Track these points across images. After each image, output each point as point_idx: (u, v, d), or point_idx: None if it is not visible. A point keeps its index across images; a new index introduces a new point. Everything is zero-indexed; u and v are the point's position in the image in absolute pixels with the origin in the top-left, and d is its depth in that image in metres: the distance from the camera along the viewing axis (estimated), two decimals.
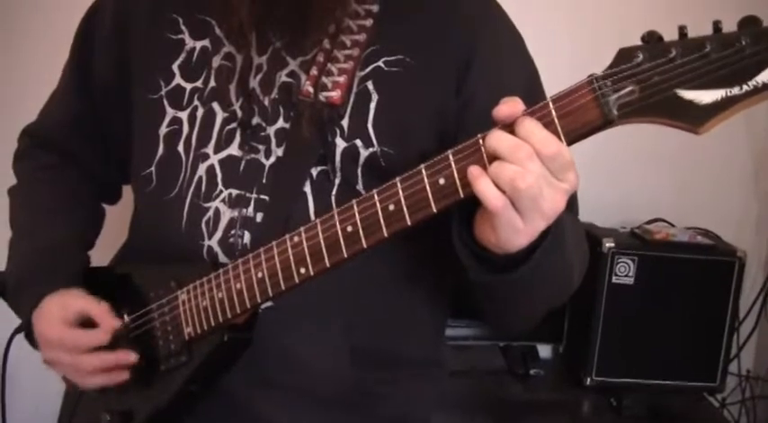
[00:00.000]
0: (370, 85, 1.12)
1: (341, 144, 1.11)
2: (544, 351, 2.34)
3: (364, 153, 1.11)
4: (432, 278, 1.22)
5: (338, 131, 1.11)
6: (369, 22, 1.14)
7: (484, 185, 0.86)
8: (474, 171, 0.87)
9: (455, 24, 1.14)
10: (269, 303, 1.10)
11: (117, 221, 1.40)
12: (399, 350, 1.20)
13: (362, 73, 1.12)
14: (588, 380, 2.11)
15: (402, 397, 1.21)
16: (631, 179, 2.31)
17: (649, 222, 2.27)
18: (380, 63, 1.12)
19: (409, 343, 1.21)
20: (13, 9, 2.15)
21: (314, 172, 1.11)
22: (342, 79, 1.11)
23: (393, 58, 1.12)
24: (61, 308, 1.17)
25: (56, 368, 1.21)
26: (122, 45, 1.23)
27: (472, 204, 0.90)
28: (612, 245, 2.05)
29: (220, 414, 1.15)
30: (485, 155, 0.88)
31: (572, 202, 1.13)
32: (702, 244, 2.12)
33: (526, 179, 0.84)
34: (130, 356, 1.16)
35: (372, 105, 1.11)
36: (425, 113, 1.12)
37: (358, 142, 1.11)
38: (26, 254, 1.26)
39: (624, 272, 2.06)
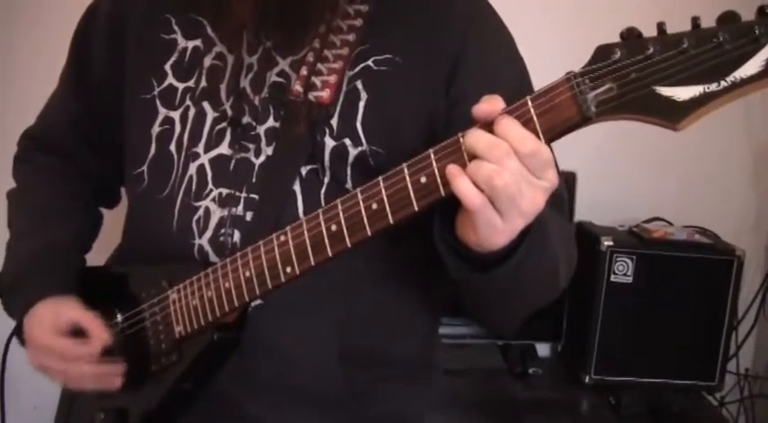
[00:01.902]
0: (359, 84, 1.12)
1: (330, 143, 1.11)
2: (543, 350, 2.34)
3: (353, 152, 1.11)
4: (423, 278, 1.21)
5: (327, 130, 1.11)
6: (359, 22, 1.14)
7: (462, 184, 0.86)
8: (452, 170, 0.87)
9: (445, 24, 1.15)
10: (259, 302, 1.10)
11: (112, 225, 1.40)
12: (389, 350, 1.20)
13: (352, 72, 1.12)
14: (587, 378, 2.11)
15: (392, 397, 1.21)
16: (630, 178, 2.32)
17: (648, 221, 2.27)
18: (370, 62, 1.12)
19: (400, 343, 1.21)
20: (15, 10, 2.16)
21: (303, 171, 1.11)
22: (331, 78, 1.11)
23: (382, 57, 1.12)
24: (53, 316, 1.17)
25: (44, 373, 1.21)
26: (118, 44, 1.24)
27: (454, 204, 0.90)
28: (611, 243, 2.05)
29: (211, 413, 1.15)
30: (464, 153, 0.88)
31: (560, 203, 1.13)
32: (701, 243, 2.12)
33: (503, 177, 0.84)
34: (118, 368, 1.17)
35: (361, 104, 1.11)
36: (414, 113, 1.12)
37: (347, 141, 1.11)
38: (22, 255, 1.26)
39: (622, 270, 2.06)
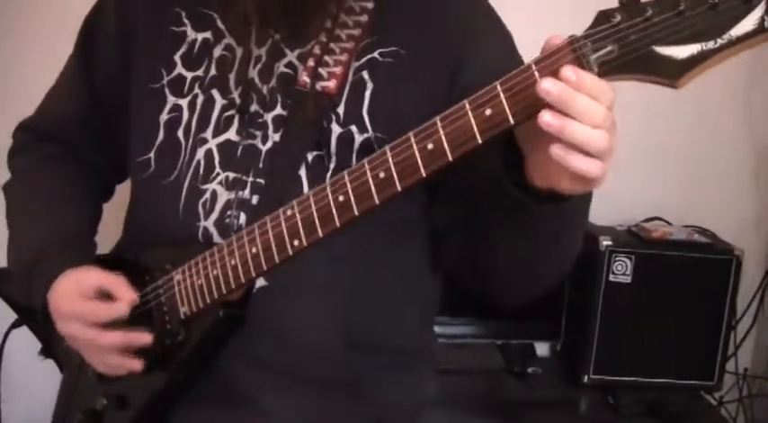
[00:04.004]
0: (365, 74, 1.15)
1: (336, 130, 1.13)
2: (542, 349, 2.34)
3: (359, 138, 1.13)
4: (423, 267, 1.25)
5: (334, 118, 1.14)
6: (364, 18, 1.17)
7: (580, 162, 0.86)
8: (558, 151, 0.86)
9: (446, 22, 1.18)
10: (263, 282, 1.12)
11: (110, 223, 1.40)
12: (389, 337, 1.21)
13: (358, 63, 1.15)
14: (586, 378, 2.11)
15: (390, 384, 1.22)
16: (629, 177, 2.31)
17: (647, 220, 2.28)
18: (376, 54, 1.15)
19: (400, 331, 1.22)
20: (11, 7, 2.16)
21: (309, 157, 1.14)
22: (337, 70, 1.14)
23: (388, 49, 1.16)
24: (76, 283, 1.16)
25: (73, 344, 1.20)
26: (127, 41, 1.25)
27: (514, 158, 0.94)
28: (610, 243, 2.06)
29: (213, 395, 1.16)
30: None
31: None
32: (699, 242, 2.13)
33: (609, 140, 0.86)
34: (145, 337, 1.15)
35: (367, 93, 1.14)
36: (418, 103, 1.14)
37: (353, 128, 1.13)
38: (36, 239, 1.25)
39: (621, 270, 2.07)
